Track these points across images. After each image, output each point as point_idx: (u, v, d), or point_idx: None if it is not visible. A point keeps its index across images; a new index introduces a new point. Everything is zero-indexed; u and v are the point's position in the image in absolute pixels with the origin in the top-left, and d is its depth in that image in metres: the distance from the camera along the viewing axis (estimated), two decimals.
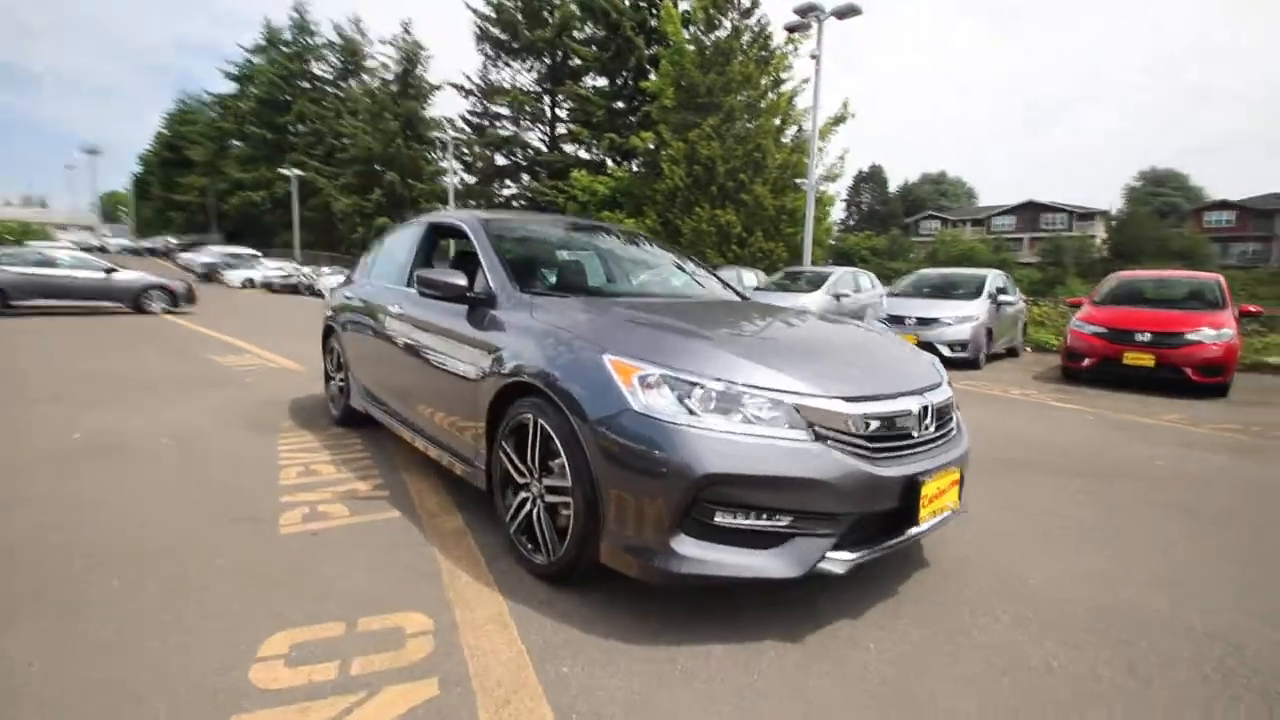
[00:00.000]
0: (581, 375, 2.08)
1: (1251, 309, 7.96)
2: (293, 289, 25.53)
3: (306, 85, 42.66)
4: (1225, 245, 47.71)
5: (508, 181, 30.12)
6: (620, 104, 26.61)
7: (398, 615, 2.02)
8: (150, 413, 4.68)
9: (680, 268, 3.79)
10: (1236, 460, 4.39)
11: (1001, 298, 9.64)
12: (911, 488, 1.99)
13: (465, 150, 29.15)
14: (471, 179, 29.78)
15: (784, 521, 1.88)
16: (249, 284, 27.52)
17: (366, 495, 3.11)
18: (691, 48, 20.11)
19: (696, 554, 1.85)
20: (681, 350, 2.08)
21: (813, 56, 14.36)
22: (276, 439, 4.11)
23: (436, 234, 3.66)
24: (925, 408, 2.15)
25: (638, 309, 2.63)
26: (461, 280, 2.78)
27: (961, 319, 8.85)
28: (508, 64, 29.42)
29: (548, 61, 28.90)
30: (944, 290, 9.86)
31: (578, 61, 27.06)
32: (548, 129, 29.46)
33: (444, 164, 31.95)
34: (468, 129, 29.95)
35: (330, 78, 43.09)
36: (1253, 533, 3.04)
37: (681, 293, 3.44)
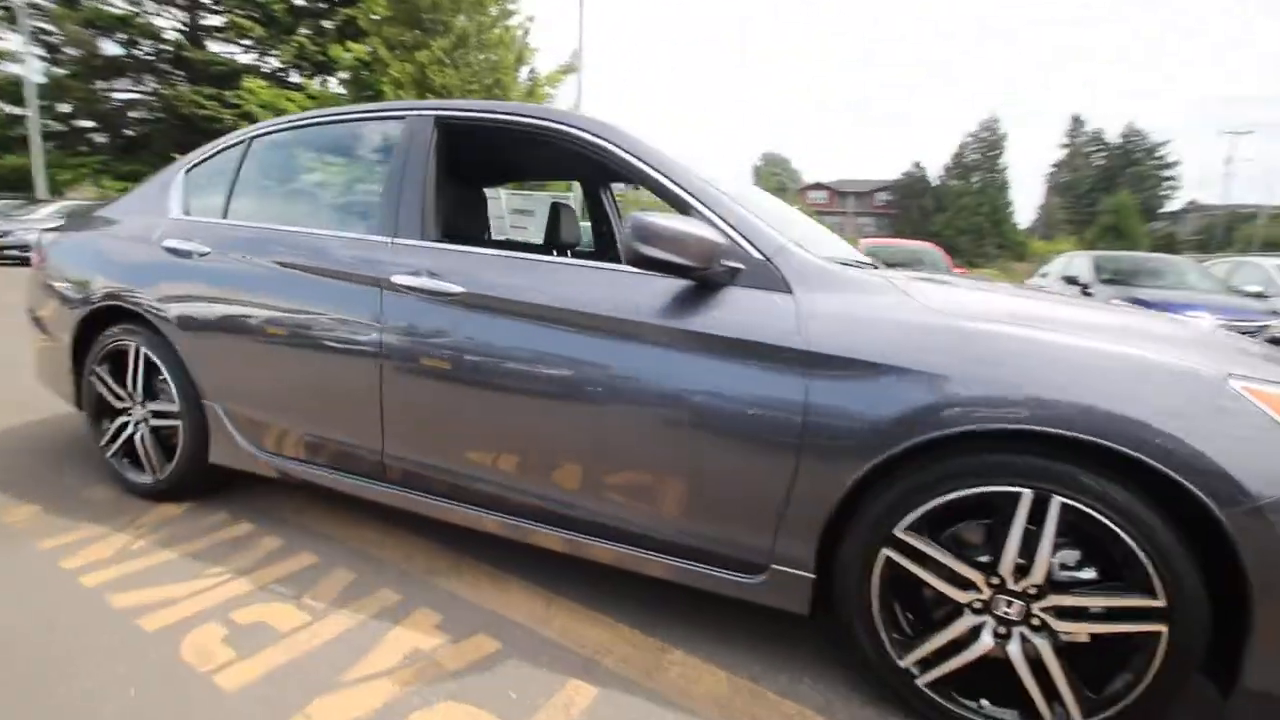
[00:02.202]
0: (1202, 420, 1.18)
1: (959, 271, 10.20)
2: None
3: None
4: (821, 218, 62.47)
5: (125, 80, 21.72)
6: (305, 1, 21.18)
7: None
8: None
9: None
10: None
11: None
12: None
13: (49, 27, 19.81)
14: (61, 71, 20.58)
15: None
16: None
17: (499, 679, 1.56)
18: None
19: None
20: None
21: None
22: (47, 554, 1.92)
23: (452, 140, 1.98)
24: None
25: (980, 289, 1.74)
26: (719, 237, 1.48)
27: None
28: None
29: None
30: None
31: None
32: (187, 15, 21.92)
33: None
34: None
35: None
36: None
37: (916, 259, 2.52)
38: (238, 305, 2.06)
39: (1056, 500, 1.25)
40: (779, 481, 1.44)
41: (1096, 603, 1.28)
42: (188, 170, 2.37)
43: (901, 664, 1.41)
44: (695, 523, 1.56)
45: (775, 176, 74.09)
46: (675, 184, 1.64)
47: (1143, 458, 1.18)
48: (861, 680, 1.54)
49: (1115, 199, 41.96)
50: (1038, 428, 1.24)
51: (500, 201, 3.15)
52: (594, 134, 1.75)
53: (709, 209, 1.58)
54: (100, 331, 2.34)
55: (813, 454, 1.40)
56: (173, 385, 2.20)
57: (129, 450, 2.36)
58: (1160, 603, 1.22)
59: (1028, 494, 1.27)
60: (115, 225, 2.45)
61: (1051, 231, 53.60)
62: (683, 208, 1.62)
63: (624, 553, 1.65)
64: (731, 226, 1.55)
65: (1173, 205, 55.90)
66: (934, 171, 55.17)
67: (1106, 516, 1.23)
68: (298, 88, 19.09)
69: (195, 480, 2.30)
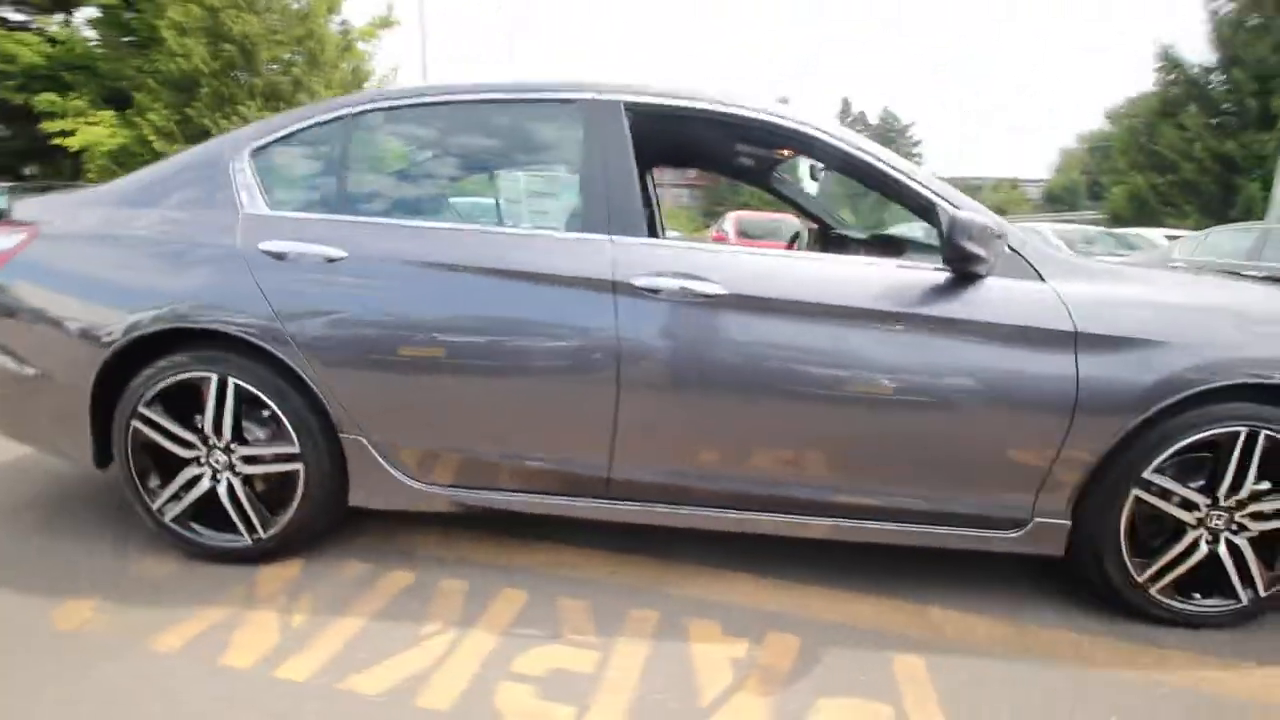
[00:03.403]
0: None
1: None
2: None
3: None
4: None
5: None
6: None
7: None
8: None
9: None
10: None
11: None
12: None
13: None
14: None
15: None
16: None
17: (835, 669, 1.57)
18: None
19: None
20: None
21: None
22: (191, 656, 1.51)
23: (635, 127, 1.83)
24: None
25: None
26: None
27: None
28: None
29: None
30: None
31: None
32: None
33: None
34: None
35: None
36: None
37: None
38: (401, 319, 1.74)
39: (1262, 434, 1.63)
40: (1052, 446, 1.65)
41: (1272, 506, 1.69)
42: (254, 151, 1.89)
43: (1139, 580, 1.73)
44: (972, 492, 1.73)
45: None
46: (916, 182, 1.74)
47: None
48: (1086, 599, 1.85)
49: None
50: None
51: (518, 184, 2.84)
52: (827, 134, 1.78)
53: (962, 208, 1.71)
54: (142, 364, 1.81)
55: (1084, 418, 1.63)
56: (286, 421, 1.80)
57: (200, 509, 1.88)
58: None
59: (1244, 432, 1.63)
60: (133, 221, 1.87)
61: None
62: (925, 204, 1.73)
63: (887, 529, 1.77)
64: (974, 223, 1.69)
65: None
66: None
67: None
68: (24, 27, 14.89)
69: (309, 532, 1.92)
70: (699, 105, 1.84)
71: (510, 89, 1.89)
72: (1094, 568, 1.76)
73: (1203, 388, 1.60)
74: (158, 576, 1.85)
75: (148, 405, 1.82)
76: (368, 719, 1.35)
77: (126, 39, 15.01)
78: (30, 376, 1.90)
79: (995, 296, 1.66)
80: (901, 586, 1.90)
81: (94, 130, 13.64)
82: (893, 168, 1.77)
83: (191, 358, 1.80)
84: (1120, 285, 1.74)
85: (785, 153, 2.63)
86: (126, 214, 1.89)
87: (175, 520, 1.89)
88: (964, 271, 1.65)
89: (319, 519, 1.89)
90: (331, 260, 1.75)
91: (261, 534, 1.87)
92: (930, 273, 1.69)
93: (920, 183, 1.75)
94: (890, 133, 69.51)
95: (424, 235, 1.78)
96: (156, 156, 13.93)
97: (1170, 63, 16.51)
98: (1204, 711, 1.48)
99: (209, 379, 1.80)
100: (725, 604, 1.79)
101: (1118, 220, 17.36)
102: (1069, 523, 1.72)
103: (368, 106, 1.89)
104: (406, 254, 1.75)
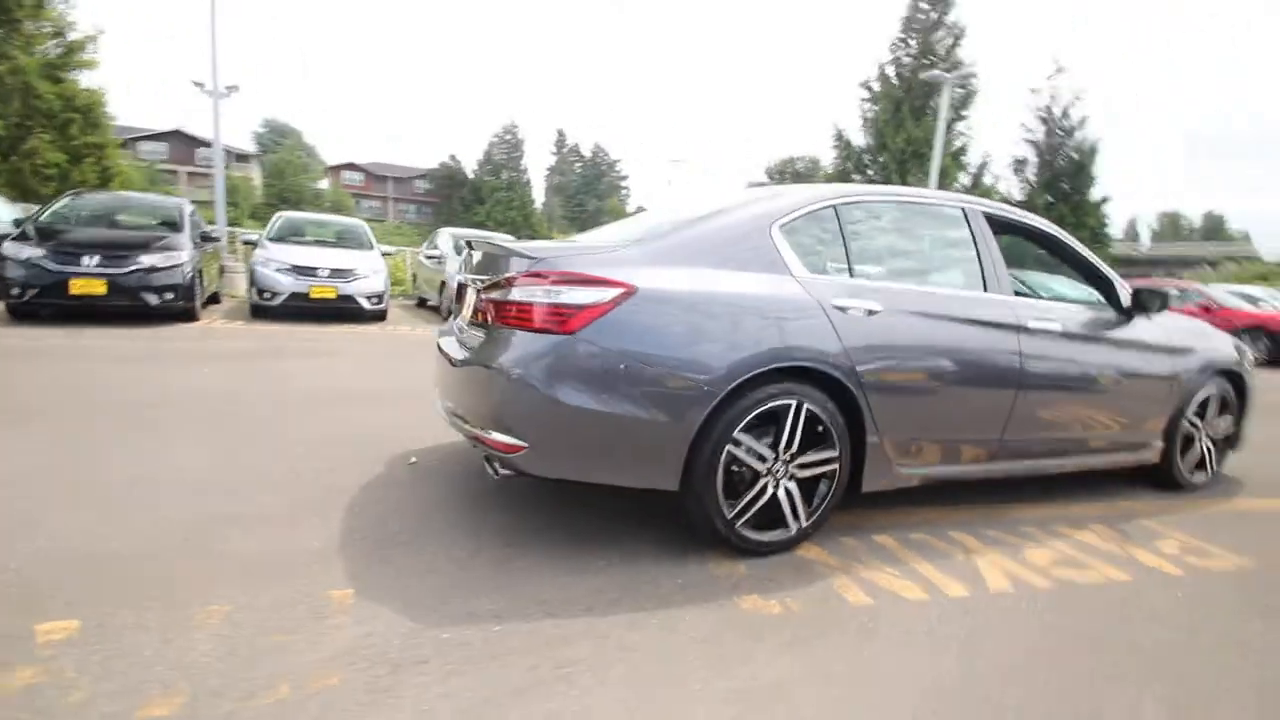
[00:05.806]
0: None
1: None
2: None
3: None
4: (359, 200, 59.13)
5: None
6: None
7: None
8: None
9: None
10: None
11: None
12: None
13: None
14: None
15: None
16: None
17: None
18: None
19: None
20: None
21: None
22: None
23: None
24: None
25: None
26: None
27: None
28: None
29: None
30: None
31: None
32: None
33: None
34: None
35: None
36: None
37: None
38: (911, 350, 2.53)
39: None
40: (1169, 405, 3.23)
41: None
42: (780, 226, 2.41)
43: None
44: (1125, 432, 3.19)
45: (280, 146, 64.16)
46: (1093, 262, 3.17)
47: None
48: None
49: (610, 204, 54.37)
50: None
51: (948, 259, 3.68)
52: (1055, 234, 3.11)
53: (1110, 279, 3.18)
54: (734, 400, 2.21)
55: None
56: (833, 431, 2.39)
57: (758, 513, 2.32)
58: None
59: None
60: (717, 281, 2.26)
61: (554, 226, 64.62)
62: (1105, 278, 3.17)
63: (1100, 459, 3.16)
64: (1116, 285, 3.19)
65: (630, 208, 75.33)
66: (468, 165, 58.89)
67: None
68: None
69: (827, 517, 2.49)
70: (1017, 218, 3.03)
71: (930, 198, 2.81)
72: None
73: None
74: (746, 575, 2.23)
75: (743, 431, 2.23)
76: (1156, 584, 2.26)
77: None
78: (640, 419, 2.11)
79: (1140, 325, 3.18)
80: (1089, 497, 3.30)
81: None
82: (1089, 256, 3.16)
83: (779, 390, 2.27)
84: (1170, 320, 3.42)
85: None
86: (707, 276, 2.25)
87: (741, 525, 2.30)
88: (1130, 314, 3.13)
89: (833, 507, 2.49)
90: (872, 313, 2.44)
91: (804, 523, 2.41)
92: (1110, 313, 3.13)
93: (1102, 267, 3.17)
94: (602, 166, 76.93)
95: (919, 295, 2.59)
96: None
97: (844, 143, 22.68)
98: None
99: (789, 405, 2.30)
100: (1103, 516, 2.99)
101: None
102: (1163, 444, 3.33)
103: (841, 199, 2.62)
104: (911, 307, 2.54)
